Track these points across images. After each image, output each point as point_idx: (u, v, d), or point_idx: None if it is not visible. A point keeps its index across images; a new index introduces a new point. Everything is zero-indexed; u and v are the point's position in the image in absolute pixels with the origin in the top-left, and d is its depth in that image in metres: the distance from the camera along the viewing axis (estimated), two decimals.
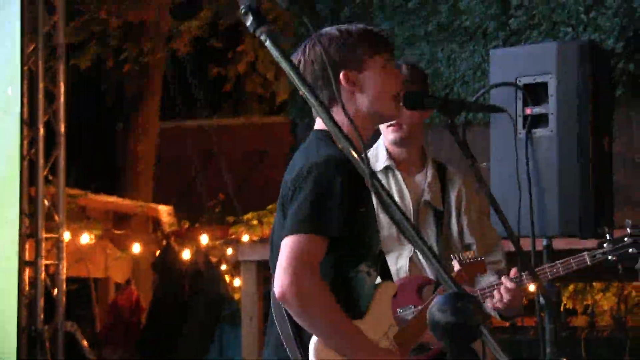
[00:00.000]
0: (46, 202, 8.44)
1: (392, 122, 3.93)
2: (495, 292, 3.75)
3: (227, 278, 10.94)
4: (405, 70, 3.97)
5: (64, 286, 8.52)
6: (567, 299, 10.51)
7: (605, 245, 3.83)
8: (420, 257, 3.93)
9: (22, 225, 8.11)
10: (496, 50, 4.72)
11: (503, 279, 3.73)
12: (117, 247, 12.87)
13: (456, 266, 3.55)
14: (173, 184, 16.23)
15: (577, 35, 7.16)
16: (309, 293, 2.79)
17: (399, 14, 7.93)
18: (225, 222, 11.16)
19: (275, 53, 1.93)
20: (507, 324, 10.53)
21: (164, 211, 13.40)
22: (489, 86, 4.38)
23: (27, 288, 8.20)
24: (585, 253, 3.83)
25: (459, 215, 4.09)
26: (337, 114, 2.86)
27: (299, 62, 3.05)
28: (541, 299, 3.82)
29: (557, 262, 3.88)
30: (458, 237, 4.08)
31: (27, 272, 8.23)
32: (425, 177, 4.06)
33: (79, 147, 13.91)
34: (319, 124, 3.08)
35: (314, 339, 2.87)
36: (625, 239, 3.82)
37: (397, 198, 4.00)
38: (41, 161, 8.36)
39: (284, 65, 1.92)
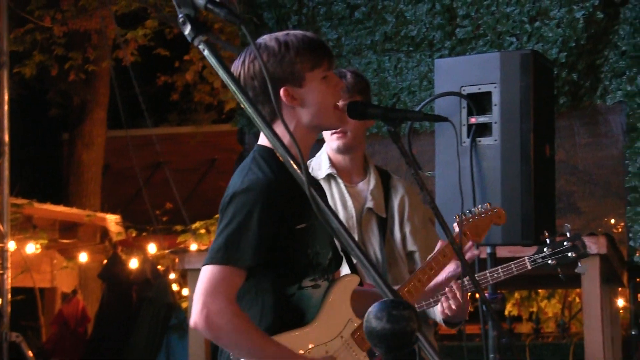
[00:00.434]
0: None
1: (337, 131, 3.95)
2: (443, 299, 3.78)
3: (175, 287, 10.88)
4: (350, 79, 3.99)
5: (9, 296, 8.42)
6: (512, 306, 10.61)
7: (545, 249, 3.88)
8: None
9: None
10: (441, 60, 4.74)
11: (453, 283, 3.75)
12: (64, 256, 12.76)
13: (455, 228, 3.56)
14: (121, 193, 16.13)
15: (522, 45, 7.24)
16: (218, 323, 2.84)
17: (345, 24, 7.96)
18: (173, 231, 11.11)
19: (213, 63, 1.93)
20: (454, 331, 10.59)
21: (112, 220, 13.31)
22: (434, 95, 4.41)
23: None
24: (525, 257, 3.88)
25: (402, 223, 4.11)
26: (279, 126, 2.90)
27: (239, 75, 3.04)
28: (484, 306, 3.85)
29: (499, 267, 3.93)
30: (401, 244, 4.11)
31: None
32: (368, 185, 4.08)
33: (25, 157, 13.79)
34: (262, 139, 3.09)
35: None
36: (565, 243, 3.88)
37: (339, 206, 4.02)
38: None
39: (222, 75, 1.92)
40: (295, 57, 2.99)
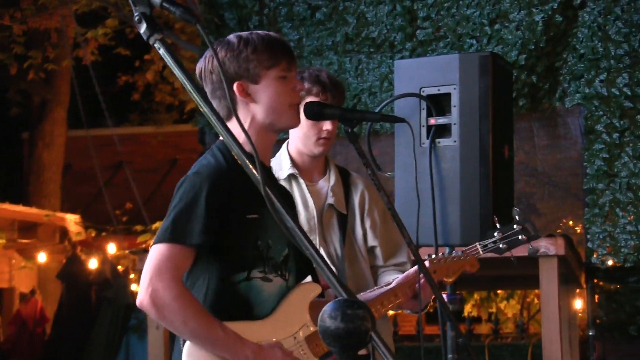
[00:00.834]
0: None
1: (324, 136, 3.96)
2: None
3: (136, 287, 10.83)
4: (325, 78, 4.00)
5: None
6: (471, 306, 10.67)
7: (495, 234, 3.89)
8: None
9: None
10: (401, 61, 4.75)
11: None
12: (23, 256, 12.67)
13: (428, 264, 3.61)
14: (81, 193, 16.04)
15: (482, 48, 7.28)
16: (163, 300, 2.86)
17: (306, 25, 7.96)
18: (133, 231, 11.06)
19: (169, 61, 1.93)
20: (413, 332, 10.63)
21: (71, 220, 13.23)
22: (393, 97, 4.41)
23: None
24: (477, 243, 3.88)
25: (362, 218, 4.12)
26: (233, 123, 2.98)
27: (201, 70, 3.11)
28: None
29: (453, 255, 3.93)
30: (362, 240, 4.12)
31: None
32: (329, 182, 4.09)
33: None
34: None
35: (187, 342, 2.95)
36: (514, 226, 3.90)
37: (301, 206, 4.02)
38: None
39: (178, 73, 1.92)
40: (251, 54, 3.05)
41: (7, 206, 12.62)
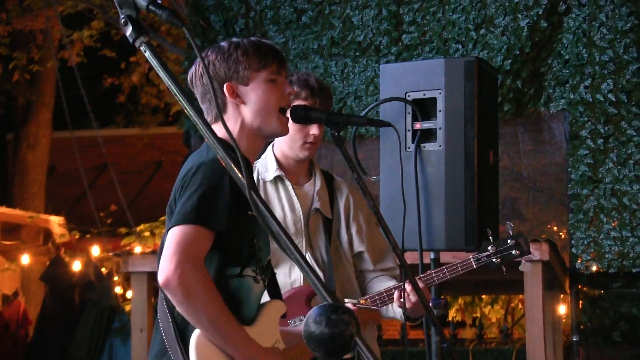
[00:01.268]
0: None
1: (310, 141, 3.96)
2: (396, 292, 3.80)
3: (119, 290, 10.80)
4: (313, 82, 4.00)
5: None
6: (456, 311, 10.68)
7: (489, 248, 3.90)
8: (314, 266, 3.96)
9: None
10: (386, 65, 4.76)
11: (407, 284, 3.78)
12: (6, 258, 12.60)
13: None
14: (65, 194, 15.98)
15: (467, 52, 7.29)
16: (193, 282, 2.80)
17: (292, 28, 7.96)
18: (117, 233, 11.02)
19: (154, 64, 1.93)
20: (397, 336, 10.63)
21: (55, 222, 13.17)
22: (379, 101, 4.41)
23: None
24: (470, 256, 3.90)
25: (348, 224, 4.12)
26: (221, 125, 2.94)
27: (192, 75, 3.13)
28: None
29: (444, 266, 3.95)
30: (348, 245, 4.11)
31: None
32: (314, 186, 4.08)
33: None
34: (219, 133, 3.10)
35: (195, 333, 2.88)
36: (508, 241, 3.91)
37: (287, 208, 4.02)
38: None
39: (163, 76, 1.92)
40: (241, 56, 3.06)
41: None
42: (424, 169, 4.27)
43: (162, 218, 9.78)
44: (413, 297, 3.74)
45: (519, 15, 7.23)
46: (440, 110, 4.27)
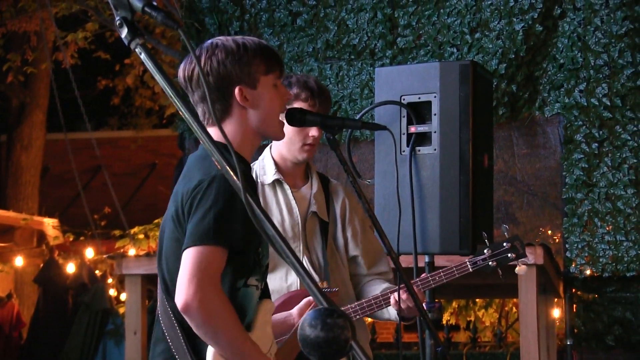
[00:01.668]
0: None
1: (309, 143, 3.96)
2: (392, 298, 3.81)
3: (113, 292, 10.78)
4: (313, 84, 4.00)
5: None
6: (450, 315, 10.67)
7: (485, 251, 3.91)
8: (310, 269, 3.96)
9: None
10: (381, 68, 4.75)
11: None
12: (0, 260, 12.58)
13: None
14: (59, 196, 15.96)
15: (462, 56, 7.30)
16: (213, 305, 2.76)
17: (287, 31, 7.95)
18: (111, 236, 11.01)
19: (150, 66, 1.92)
20: (392, 339, 10.63)
21: (49, 224, 13.15)
22: (374, 104, 4.42)
23: None
24: (466, 260, 3.91)
25: (344, 227, 4.13)
26: (226, 126, 2.97)
27: (192, 72, 3.01)
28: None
29: (440, 270, 3.95)
30: (344, 249, 4.12)
31: None
32: (311, 189, 4.09)
33: None
34: (215, 136, 3.07)
35: (210, 350, 2.85)
36: (504, 244, 3.92)
37: (285, 212, 4.02)
38: None
39: (159, 78, 1.91)
40: (252, 59, 3.00)
41: None
42: (419, 173, 4.28)
43: (156, 220, 9.77)
44: (408, 301, 3.75)
45: (514, 19, 7.24)
46: (435, 114, 4.28)
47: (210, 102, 3.02)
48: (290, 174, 4.08)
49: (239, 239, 2.83)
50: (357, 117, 4.11)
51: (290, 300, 3.83)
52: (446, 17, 7.43)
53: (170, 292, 2.92)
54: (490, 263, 3.93)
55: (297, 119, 3.33)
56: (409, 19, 7.55)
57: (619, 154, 7.05)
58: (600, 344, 7.23)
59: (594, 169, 7.09)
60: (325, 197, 4.13)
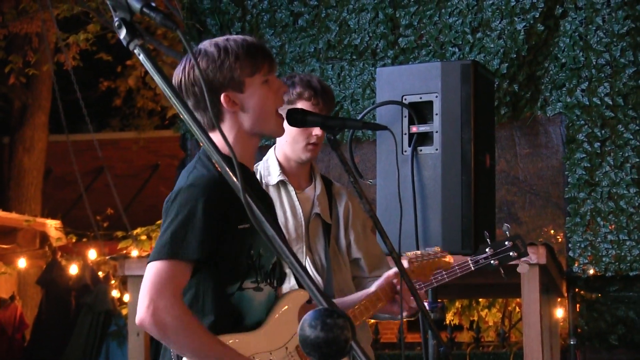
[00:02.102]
0: None
1: (313, 142, 3.95)
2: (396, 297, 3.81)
3: (116, 293, 10.79)
4: (316, 83, 4.00)
5: None
6: (453, 315, 10.66)
7: (487, 250, 3.90)
8: (309, 270, 3.96)
9: None
10: (383, 68, 4.75)
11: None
12: (2, 262, 12.59)
13: (405, 263, 3.62)
14: (62, 198, 15.97)
15: (464, 56, 7.29)
16: (166, 319, 2.80)
17: (289, 31, 7.95)
18: (114, 237, 11.01)
19: (149, 68, 1.91)
20: (395, 340, 10.62)
21: (52, 225, 13.17)
22: (375, 104, 4.41)
23: None
24: (468, 259, 3.90)
25: (346, 229, 4.12)
26: (223, 130, 2.97)
27: (180, 82, 3.02)
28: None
29: (442, 270, 3.94)
30: (346, 251, 4.12)
31: None
32: (315, 191, 4.08)
33: None
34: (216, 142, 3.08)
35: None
36: (506, 243, 3.91)
37: (289, 213, 4.02)
38: None
39: (158, 80, 1.90)
40: (234, 63, 2.98)
41: None
42: (421, 173, 4.27)
43: (158, 222, 9.76)
44: (407, 295, 3.75)
45: (516, 19, 7.23)
46: (436, 114, 4.27)
47: (202, 110, 3.01)
48: (295, 175, 4.07)
49: (197, 250, 2.85)
50: (359, 117, 4.10)
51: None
52: (448, 17, 7.43)
53: None
54: (492, 262, 3.92)
55: (297, 119, 3.32)
56: (410, 19, 7.55)
57: (621, 153, 7.05)
58: (603, 344, 7.23)
59: (596, 168, 7.09)
60: (328, 199, 4.13)
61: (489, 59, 7.24)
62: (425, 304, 4.03)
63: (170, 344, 2.88)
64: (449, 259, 3.79)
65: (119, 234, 10.58)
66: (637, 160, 7.02)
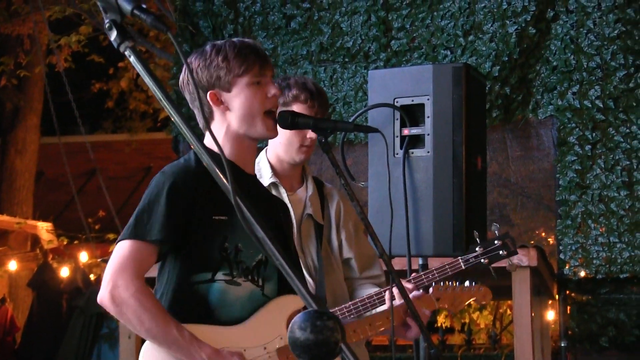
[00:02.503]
0: None
1: (307, 144, 3.96)
2: (387, 293, 3.81)
3: None
4: (311, 85, 4.00)
5: None
6: (444, 317, 10.68)
7: (477, 249, 3.92)
8: (304, 272, 3.96)
9: None
10: (374, 71, 4.76)
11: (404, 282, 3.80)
12: None
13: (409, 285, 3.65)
14: (54, 200, 15.93)
15: (456, 59, 7.30)
16: (122, 296, 2.89)
17: (281, 34, 7.96)
18: (105, 239, 11.00)
19: (139, 69, 1.91)
20: (386, 342, 10.62)
21: (43, 228, 13.13)
22: (367, 107, 4.42)
23: None
24: (459, 258, 3.92)
25: (338, 229, 4.13)
26: (213, 128, 3.06)
27: (181, 82, 3.15)
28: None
29: (433, 268, 3.96)
30: (338, 251, 4.12)
31: None
32: (306, 191, 4.09)
33: None
34: (206, 140, 3.11)
35: (147, 341, 2.99)
36: (495, 242, 3.93)
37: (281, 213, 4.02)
38: None
39: (148, 81, 1.91)
40: (222, 62, 3.05)
41: None
42: (412, 175, 4.28)
43: None
44: (399, 302, 3.75)
45: (507, 22, 7.25)
46: (428, 116, 4.28)
47: (196, 108, 3.10)
48: (287, 177, 4.08)
49: (159, 231, 2.93)
50: (351, 120, 4.10)
51: None
52: (440, 20, 7.44)
53: None
54: (482, 260, 3.95)
55: (288, 121, 3.33)
56: (402, 21, 7.56)
57: (611, 156, 7.07)
58: (594, 345, 7.24)
59: (587, 171, 7.11)
60: (320, 200, 4.13)
61: (481, 61, 7.25)
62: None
63: (126, 322, 2.95)
64: (485, 291, 3.84)
65: (111, 236, 10.58)
66: (628, 162, 7.04)
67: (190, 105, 3.14)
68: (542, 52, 7.27)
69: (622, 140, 7.06)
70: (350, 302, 3.97)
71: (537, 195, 7.40)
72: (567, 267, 7.10)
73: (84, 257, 11.26)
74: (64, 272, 11.17)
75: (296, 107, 3.89)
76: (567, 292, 7.28)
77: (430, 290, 3.71)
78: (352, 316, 3.97)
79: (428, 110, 4.28)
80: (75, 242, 12.16)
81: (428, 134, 4.28)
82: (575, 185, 7.11)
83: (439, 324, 10.48)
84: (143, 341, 3.03)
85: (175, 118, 1.92)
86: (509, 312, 10.33)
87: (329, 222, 4.12)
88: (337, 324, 1.70)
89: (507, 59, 7.22)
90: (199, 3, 8.19)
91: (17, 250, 12.93)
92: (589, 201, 7.08)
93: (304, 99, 3.97)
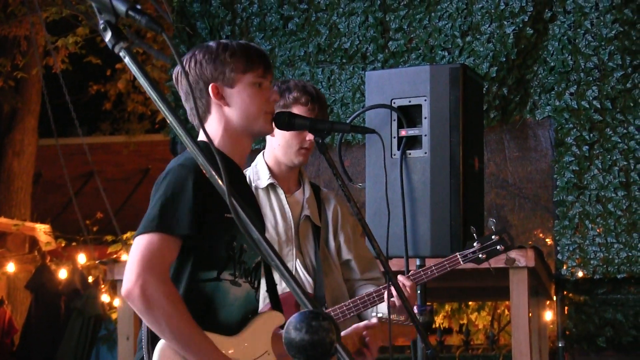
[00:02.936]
0: None
1: (306, 146, 3.97)
2: (386, 293, 3.81)
3: (106, 298, 10.77)
4: (311, 89, 4.01)
5: None
6: (443, 318, 10.68)
7: (474, 244, 3.94)
8: (300, 272, 3.97)
9: None
10: (372, 72, 4.77)
11: (399, 277, 3.80)
12: None
13: (374, 320, 3.62)
14: (51, 202, 15.93)
15: (454, 59, 7.30)
16: (154, 292, 2.78)
17: (278, 35, 7.96)
18: (103, 241, 10.99)
19: (134, 70, 1.91)
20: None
21: (41, 230, 13.13)
22: (364, 108, 4.42)
23: None
24: (457, 254, 3.93)
25: (335, 232, 4.14)
26: (209, 125, 3.06)
27: (178, 74, 3.14)
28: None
29: (432, 265, 3.97)
30: (336, 253, 4.13)
31: None
32: (304, 194, 4.10)
33: None
34: (201, 136, 3.11)
35: (160, 342, 2.87)
36: (492, 237, 3.95)
37: (279, 216, 4.03)
38: None
39: (143, 82, 1.90)
40: (228, 58, 3.06)
41: None
42: (410, 176, 4.28)
43: None
44: (397, 302, 3.76)
45: (505, 22, 7.25)
46: (425, 117, 4.28)
47: (192, 100, 3.09)
48: (284, 179, 4.09)
49: (186, 225, 2.86)
50: (348, 121, 4.10)
51: (283, 302, 3.83)
52: (437, 21, 7.44)
53: None
54: (480, 255, 3.96)
55: (285, 122, 3.34)
56: (400, 22, 7.56)
57: (609, 157, 7.07)
58: (591, 346, 7.24)
59: (584, 172, 7.11)
60: (317, 203, 4.14)
61: (479, 62, 7.25)
62: (414, 307, 4.05)
63: (152, 318, 2.82)
64: (410, 329, 3.84)
65: (109, 238, 10.57)
66: (625, 163, 7.04)
67: (183, 98, 3.12)
68: (540, 52, 7.27)
69: (619, 140, 7.07)
70: (349, 300, 3.98)
71: (534, 196, 7.40)
72: (564, 268, 7.10)
73: (82, 259, 11.26)
74: (62, 274, 11.17)
75: (296, 110, 3.90)
76: (565, 292, 7.28)
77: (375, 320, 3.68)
78: (352, 314, 3.98)
79: (425, 111, 4.28)
80: (73, 244, 12.15)
81: (425, 135, 4.28)
82: (573, 185, 7.12)
83: (437, 325, 10.48)
84: (146, 342, 2.98)
85: (170, 119, 1.92)
86: (506, 312, 10.32)
87: (326, 225, 4.13)
88: (333, 324, 1.70)
89: (504, 59, 7.23)
90: (196, 4, 8.18)
91: (15, 252, 12.92)
92: (586, 202, 7.09)
93: (304, 102, 3.98)
